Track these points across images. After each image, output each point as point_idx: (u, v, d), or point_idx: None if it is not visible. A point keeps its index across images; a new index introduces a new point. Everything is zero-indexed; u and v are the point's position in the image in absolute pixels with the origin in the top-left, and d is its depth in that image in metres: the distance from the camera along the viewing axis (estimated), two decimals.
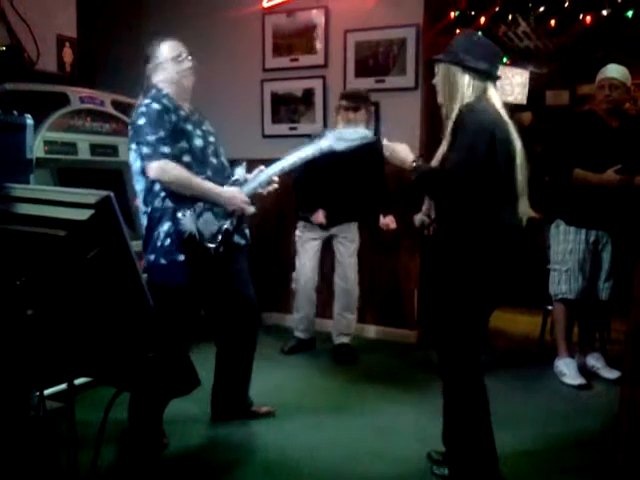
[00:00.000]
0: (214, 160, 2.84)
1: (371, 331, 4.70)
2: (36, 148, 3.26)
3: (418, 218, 2.81)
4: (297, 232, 4.27)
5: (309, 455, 2.84)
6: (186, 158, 2.71)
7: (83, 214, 1.34)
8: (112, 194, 1.35)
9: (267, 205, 4.97)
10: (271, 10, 4.85)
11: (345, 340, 4.24)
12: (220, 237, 2.74)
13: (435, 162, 2.45)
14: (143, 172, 2.70)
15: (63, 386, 1.68)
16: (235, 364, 3.09)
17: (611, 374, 3.83)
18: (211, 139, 2.88)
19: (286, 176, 3.02)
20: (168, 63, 2.79)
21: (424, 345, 4.51)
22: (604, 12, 5.04)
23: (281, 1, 4.79)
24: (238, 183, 2.82)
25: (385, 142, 2.53)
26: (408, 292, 4.61)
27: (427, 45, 4.43)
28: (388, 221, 4.15)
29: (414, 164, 2.41)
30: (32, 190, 1.80)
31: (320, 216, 4.09)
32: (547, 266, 3.97)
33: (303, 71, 4.76)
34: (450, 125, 2.37)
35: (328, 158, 2.92)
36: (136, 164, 2.73)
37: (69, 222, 1.36)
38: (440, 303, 2.50)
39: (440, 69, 2.46)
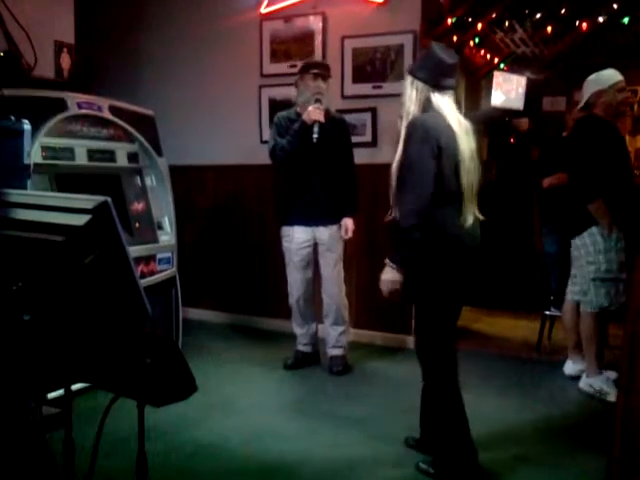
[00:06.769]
0: None
1: (368, 336, 4.68)
2: (33, 154, 3.25)
3: None
4: (284, 243, 4.07)
5: (307, 460, 2.83)
6: None
7: (80, 219, 1.34)
8: (109, 199, 1.35)
9: (265, 209, 4.99)
10: (269, 16, 4.87)
11: (337, 352, 4.06)
12: None
13: (393, 167, 2.58)
14: None
15: (60, 392, 1.68)
16: None
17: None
18: None
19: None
20: None
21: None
22: (600, 19, 5.08)
23: (279, 7, 4.81)
24: None
25: None
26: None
27: None
28: (348, 224, 3.92)
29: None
30: (29, 196, 1.80)
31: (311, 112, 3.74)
32: (593, 277, 3.56)
33: None
34: (402, 135, 2.54)
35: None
36: None
37: (66, 227, 1.36)
38: (412, 299, 2.70)
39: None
